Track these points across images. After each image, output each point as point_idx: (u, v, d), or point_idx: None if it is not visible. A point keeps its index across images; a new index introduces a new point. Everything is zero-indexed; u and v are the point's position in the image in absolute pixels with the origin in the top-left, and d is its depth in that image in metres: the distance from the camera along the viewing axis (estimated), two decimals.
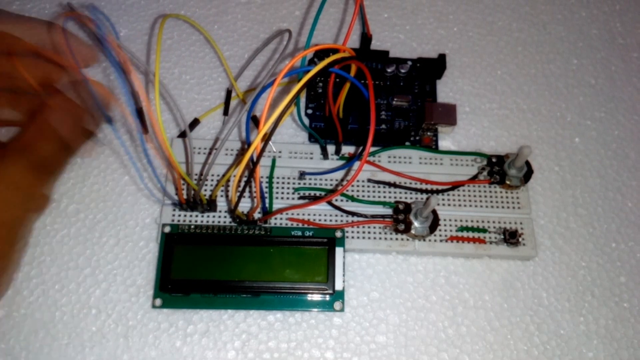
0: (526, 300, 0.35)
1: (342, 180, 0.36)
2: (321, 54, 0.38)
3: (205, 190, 0.35)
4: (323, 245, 0.34)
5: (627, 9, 0.45)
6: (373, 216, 0.35)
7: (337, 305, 0.33)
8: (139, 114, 0.27)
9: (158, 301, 0.33)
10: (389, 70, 0.40)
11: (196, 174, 0.36)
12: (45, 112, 0.33)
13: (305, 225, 0.35)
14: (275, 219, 0.35)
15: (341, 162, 0.37)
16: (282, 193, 0.36)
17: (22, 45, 0.34)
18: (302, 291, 0.33)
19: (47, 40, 0.34)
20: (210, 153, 0.37)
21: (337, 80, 0.33)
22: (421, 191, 0.36)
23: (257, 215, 0.34)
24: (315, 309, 0.33)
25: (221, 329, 0.33)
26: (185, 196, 0.33)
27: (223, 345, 0.33)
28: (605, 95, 0.41)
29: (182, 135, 0.37)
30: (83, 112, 0.34)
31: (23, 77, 0.32)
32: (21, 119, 0.34)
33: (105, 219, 0.36)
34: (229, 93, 0.38)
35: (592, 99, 0.41)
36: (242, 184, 0.33)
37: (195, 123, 0.38)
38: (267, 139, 0.25)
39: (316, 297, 0.33)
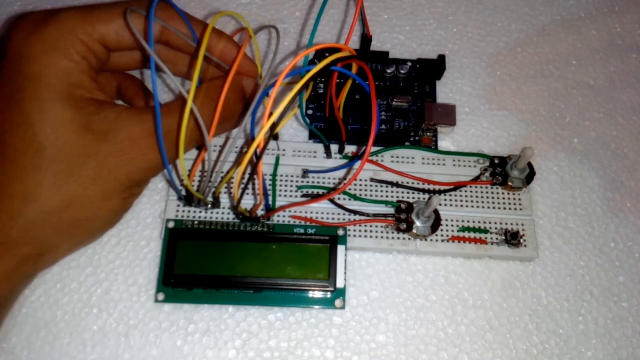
0: (525, 299, 0.35)
1: (344, 178, 0.36)
2: (322, 54, 0.38)
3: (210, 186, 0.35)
4: (325, 243, 0.34)
5: (626, 10, 0.45)
6: (375, 215, 0.35)
7: (337, 302, 0.33)
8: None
9: (161, 295, 0.33)
10: (388, 71, 0.40)
11: (200, 171, 0.36)
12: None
13: (308, 223, 0.35)
14: (278, 216, 0.35)
15: (344, 161, 0.37)
16: (286, 191, 0.36)
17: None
18: (304, 288, 0.33)
19: None
20: (220, 153, 0.37)
21: (339, 81, 0.33)
22: (423, 191, 0.36)
23: (260, 212, 0.34)
24: (316, 306, 0.33)
25: (222, 327, 0.33)
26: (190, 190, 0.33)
27: (224, 344, 0.33)
28: (604, 96, 0.42)
29: None
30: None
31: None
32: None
33: None
34: None
35: (591, 100, 0.41)
36: (245, 180, 0.34)
37: None
38: (271, 134, 0.26)
39: (317, 294, 0.33)
